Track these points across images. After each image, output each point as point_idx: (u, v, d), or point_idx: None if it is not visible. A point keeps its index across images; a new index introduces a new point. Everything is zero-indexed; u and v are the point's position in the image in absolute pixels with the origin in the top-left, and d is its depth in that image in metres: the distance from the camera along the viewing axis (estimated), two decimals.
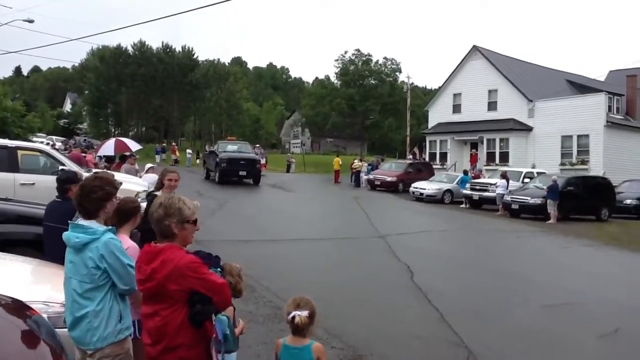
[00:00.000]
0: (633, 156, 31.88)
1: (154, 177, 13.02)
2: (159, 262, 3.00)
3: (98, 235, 3.25)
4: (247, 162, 26.74)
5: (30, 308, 3.67)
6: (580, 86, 39.16)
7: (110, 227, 3.43)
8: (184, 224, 3.11)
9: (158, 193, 6.20)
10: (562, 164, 32.34)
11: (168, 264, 2.98)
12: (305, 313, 3.41)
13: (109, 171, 10.82)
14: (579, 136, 32.33)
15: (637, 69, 41.01)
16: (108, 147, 19.79)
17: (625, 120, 36.43)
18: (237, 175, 26.51)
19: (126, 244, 3.99)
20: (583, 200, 21.97)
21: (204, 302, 3.04)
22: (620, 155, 31.22)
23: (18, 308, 3.53)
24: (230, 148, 28.20)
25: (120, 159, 18.01)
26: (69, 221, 3.43)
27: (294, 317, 3.41)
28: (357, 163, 34.81)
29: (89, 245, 3.22)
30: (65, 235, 3.30)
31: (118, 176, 10.92)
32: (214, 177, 27.05)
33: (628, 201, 23.89)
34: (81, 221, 3.36)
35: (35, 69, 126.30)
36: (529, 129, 34.50)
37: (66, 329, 3.39)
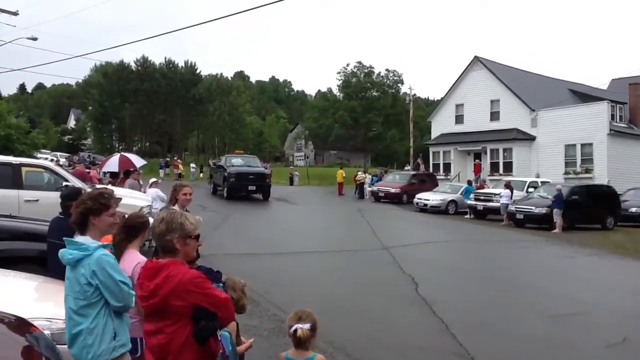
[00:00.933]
0: (637, 164, 31.75)
1: (157, 192, 13.07)
2: (163, 277, 2.96)
3: (90, 251, 3.23)
4: (257, 176, 25.95)
5: (32, 325, 3.66)
6: (583, 95, 39.19)
7: (105, 243, 3.41)
8: (186, 239, 3.08)
9: (175, 207, 6.13)
10: (566, 172, 32.29)
11: (172, 280, 2.94)
12: (307, 326, 3.40)
13: (110, 187, 10.85)
14: (582, 145, 32.31)
15: None
16: (112, 164, 19.84)
17: (628, 128, 36.37)
18: (246, 190, 25.71)
19: (137, 259, 3.96)
20: (588, 209, 21.89)
21: (208, 318, 3.00)
22: (624, 163, 31.15)
23: (20, 326, 3.52)
24: (239, 162, 27.45)
25: (124, 174, 18.05)
26: (64, 238, 3.41)
27: (295, 330, 3.40)
28: (360, 175, 34.84)
29: (81, 262, 3.21)
30: (61, 252, 3.30)
31: (121, 192, 10.98)
32: (222, 193, 26.34)
33: (633, 209, 23.78)
34: (77, 238, 3.35)
35: (39, 86, 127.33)
36: (532, 138, 34.48)
37: None
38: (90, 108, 77.71)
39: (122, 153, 23.20)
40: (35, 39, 30.44)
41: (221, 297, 3.09)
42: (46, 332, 3.80)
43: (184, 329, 2.96)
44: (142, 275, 3.11)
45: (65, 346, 3.42)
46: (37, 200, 10.62)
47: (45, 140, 48.16)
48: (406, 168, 45.01)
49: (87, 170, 24.46)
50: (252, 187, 25.73)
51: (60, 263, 3.38)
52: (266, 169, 30.30)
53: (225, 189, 25.57)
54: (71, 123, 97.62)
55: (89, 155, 60.03)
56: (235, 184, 25.21)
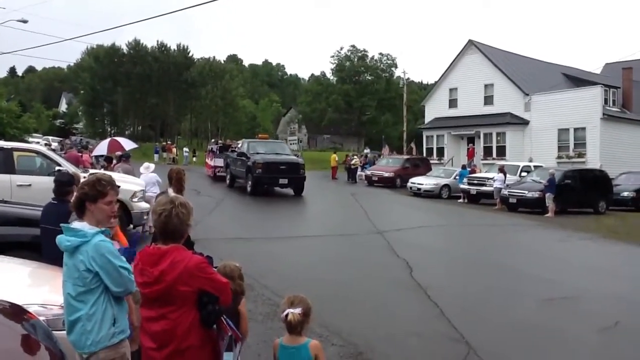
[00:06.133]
0: (630, 148, 31.91)
1: (154, 177, 13.03)
2: (168, 263, 2.99)
3: (88, 237, 3.18)
4: (289, 167, 21.69)
5: (28, 312, 3.63)
6: (577, 79, 39.20)
7: (102, 229, 3.36)
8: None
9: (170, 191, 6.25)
10: (559, 157, 32.40)
11: (178, 265, 2.98)
12: (298, 310, 3.42)
13: (106, 171, 10.79)
14: (575, 129, 32.38)
15: (633, 61, 41.10)
16: (102, 147, 19.98)
17: (621, 112, 36.46)
18: (276, 183, 21.59)
19: None
20: (580, 193, 21.99)
21: (213, 302, 3.06)
22: (617, 148, 31.27)
23: (15, 312, 3.49)
24: (264, 149, 22.88)
25: (117, 160, 17.99)
26: (61, 224, 3.36)
27: (287, 315, 3.42)
28: (355, 159, 34.85)
29: (79, 248, 3.17)
30: (58, 238, 3.25)
31: (115, 176, 10.93)
32: (243, 185, 22.47)
33: (625, 193, 23.92)
34: (74, 224, 3.31)
35: (30, 69, 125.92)
36: (525, 122, 34.52)
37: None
38: (82, 92, 77.06)
39: (114, 137, 23.19)
40: (25, 21, 30.18)
41: (222, 281, 3.16)
42: (41, 318, 3.78)
43: (188, 314, 3.02)
44: (143, 261, 3.09)
45: (61, 332, 3.41)
46: (30, 185, 10.57)
47: (36, 124, 47.82)
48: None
49: (80, 154, 24.34)
50: (283, 180, 21.51)
51: (54, 248, 3.35)
52: (298, 157, 24.71)
53: (250, 182, 21.34)
54: (63, 107, 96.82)
55: (81, 140, 59.60)
56: (263, 177, 20.94)
